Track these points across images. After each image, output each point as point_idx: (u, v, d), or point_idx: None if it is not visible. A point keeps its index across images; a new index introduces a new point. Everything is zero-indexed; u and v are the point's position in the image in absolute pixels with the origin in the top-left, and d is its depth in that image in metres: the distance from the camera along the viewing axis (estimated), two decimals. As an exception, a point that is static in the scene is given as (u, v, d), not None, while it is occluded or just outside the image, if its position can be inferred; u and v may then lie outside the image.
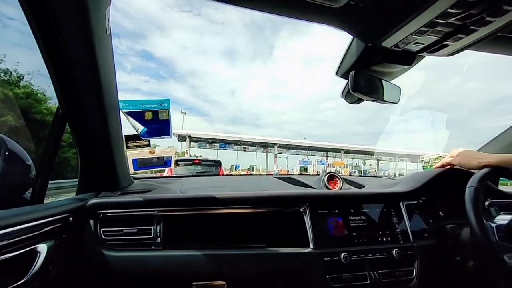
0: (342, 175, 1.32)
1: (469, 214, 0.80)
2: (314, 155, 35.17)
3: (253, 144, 31.29)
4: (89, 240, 0.90)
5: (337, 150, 35.40)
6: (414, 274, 0.97)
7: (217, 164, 5.27)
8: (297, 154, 34.44)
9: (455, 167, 1.10)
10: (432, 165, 1.28)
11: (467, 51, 0.74)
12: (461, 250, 0.96)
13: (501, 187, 1.17)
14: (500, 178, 1.25)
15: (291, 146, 33.24)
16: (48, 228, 0.74)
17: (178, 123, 32.98)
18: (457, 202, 0.92)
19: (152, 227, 0.94)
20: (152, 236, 0.93)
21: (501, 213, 1.01)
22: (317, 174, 1.39)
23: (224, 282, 0.92)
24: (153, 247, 0.92)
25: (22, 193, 0.86)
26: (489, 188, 1.00)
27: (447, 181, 1.13)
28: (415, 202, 1.12)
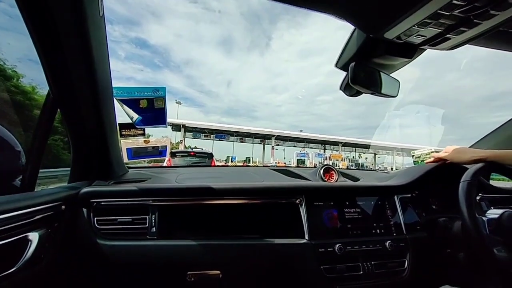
0: (339, 168, 1.33)
1: (462, 207, 0.82)
2: (311, 148, 34.88)
3: (250, 135, 30.72)
4: (82, 229, 0.89)
5: (335, 143, 34.98)
6: (406, 265, 0.99)
7: (210, 156, 5.97)
8: (294, 146, 34.08)
9: (448, 162, 1.12)
10: (423, 160, 1.29)
11: (464, 47, 0.73)
12: (452, 243, 0.98)
13: (491, 182, 1.19)
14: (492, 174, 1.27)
15: (289, 138, 32.69)
16: (40, 216, 0.73)
17: (173, 113, 32.60)
18: (449, 196, 0.93)
19: (147, 217, 0.93)
20: (147, 225, 0.92)
21: (492, 207, 1.04)
22: (314, 167, 1.40)
23: (219, 272, 0.93)
24: (148, 237, 0.91)
25: (11, 181, 0.84)
26: (481, 183, 1.01)
27: (441, 175, 1.15)
28: (409, 195, 1.14)
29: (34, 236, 0.70)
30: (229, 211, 1.02)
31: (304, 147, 34.35)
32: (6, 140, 0.81)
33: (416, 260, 1.00)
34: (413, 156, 1.37)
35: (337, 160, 30.76)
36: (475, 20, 0.59)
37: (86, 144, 0.99)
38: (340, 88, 0.97)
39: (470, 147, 1.34)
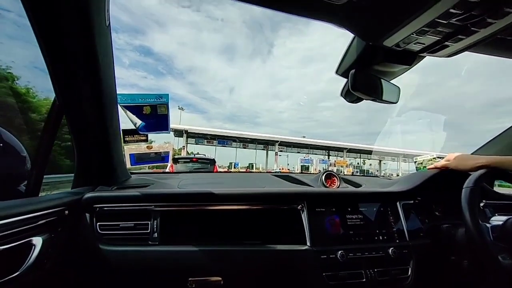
0: (344, 174, 1.33)
1: (465, 214, 0.81)
2: (315, 154, 34.23)
3: (252, 141, 30.24)
4: (85, 234, 0.90)
5: (339, 149, 34.05)
6: (409, 273, 0.98)
7: (212, 162, 6.03)
8: (298, 152, 33.39)
9: (450, 169, 1.11)
10: (425, 166, 1.29)
11: (466, 53, 0.74)
12: (456, 250, 0.97)
13: (496, 189, 1.18)
14: (496, 180, 1.25)
15: (292, 144, 31.92)
16: (43, 221, 0.73)
17: (175, 119, 32.40)
18: (452, 203, 0.93)
19: (149, 222, 0.94)
20: (149, 231, 0.93)
21: (496, 214, 1.02)
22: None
23: (220, 278, 0.92)
24: (150, 242, 0.92)
25: (16, 186, 0.85)
26: (484, 189, 1.01)
27: (444, 181, 1.14)
28: (412, 201, 1.13)
29: (37, 241, 0.71)
30: (230, 217, 1.02)
31: (308, 153, 33.78)
32: (12, 146, 0.82)
33: (419, 268, 0.99)
34: (415, 162, 1.37)
35: (341, 167, 30.37)
36: (472, 28, 0.60)
37: (90, 150, 1.00)
38: (341, 95, 0.97)
39: (472, 153, 1.33)
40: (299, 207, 1.03)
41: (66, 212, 0.84)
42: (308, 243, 0.96)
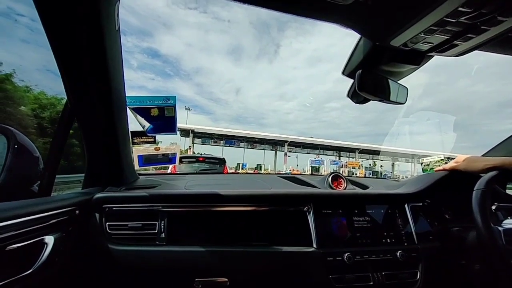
0: (357, 176, 1.31)
1: (476, 217, 0.79)
2: (326, 154, 33.11)
3: (261, 141, 29.55)
4: (94, 234, 0.92)
5: (351, 150, 32.99)
6: (418, 277, 0.96)
7: (222, 162, 5.11)
8: (308, 153, 32.39)
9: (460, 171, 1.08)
10: (432, 168, 1.26)
11: (475, 52, 0.72)
12: (467, 254, 0.94)
13: (508, 191, 1.14)
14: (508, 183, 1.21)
15: (302, 144, 31.02)
16: (55, 220, 0.76)
17: (182, 119, 31.96)
18: (463, 205, 0.91)
19: (157, 223, 0.95)
20: (156, 231, 0.94)
21: (508, 217, 0.99)
22: None
23: (226, 279, 0.93)
24: (157, 242, 0.93)
25: (30, 186, 0.87)
26: (496, 192, 0.98)
27: (453, 183, 1.11)
28: (420, 204, 1.11)
29: (50, 240, 0.73)
30: (237, 218, 1.02)
31: (319, 154, 33.06)
32: (26, 146, 0.85)
33: (428, 272, 0.97)
34: (421, 164, 1.34)
35: (353, 168, 29.76)
36: (482, 27, 0.59)
37: (100, 152, 1.03)
38: (348, 95, 0.96)
39: (482, 155, 1.29)
40: (305, 209, 1.03)
41: (77, 211, 0.86)
42: (315, 245, 0.96)
